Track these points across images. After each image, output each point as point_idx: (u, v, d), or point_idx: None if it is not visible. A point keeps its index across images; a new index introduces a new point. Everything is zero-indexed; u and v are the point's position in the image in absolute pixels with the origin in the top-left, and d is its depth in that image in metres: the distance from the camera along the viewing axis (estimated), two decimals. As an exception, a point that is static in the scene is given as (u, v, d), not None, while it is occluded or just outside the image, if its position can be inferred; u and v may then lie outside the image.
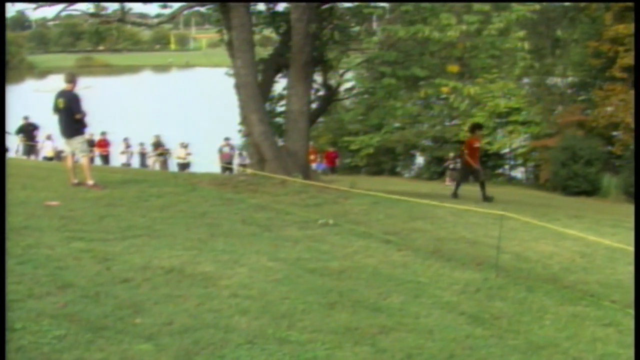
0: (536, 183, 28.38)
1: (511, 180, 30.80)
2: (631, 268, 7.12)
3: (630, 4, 23.09)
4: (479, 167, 14.63)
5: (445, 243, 7.96)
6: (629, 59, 23.21)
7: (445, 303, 5.39)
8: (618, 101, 24.27)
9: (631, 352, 4.60)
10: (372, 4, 15.09)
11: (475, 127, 15.78)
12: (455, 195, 14.40)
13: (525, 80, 30.65)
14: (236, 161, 23.21)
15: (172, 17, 15.30)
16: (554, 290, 6.08)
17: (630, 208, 17.86)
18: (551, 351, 4.51)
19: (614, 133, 25.39)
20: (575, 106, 27.54)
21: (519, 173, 32.23)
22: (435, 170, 31.63)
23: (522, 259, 7.40)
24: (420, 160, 34.35)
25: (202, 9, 18.50)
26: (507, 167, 32.44)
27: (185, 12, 15.55)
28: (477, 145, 14.74)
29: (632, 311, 5.52)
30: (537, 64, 28.62)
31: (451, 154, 28.16)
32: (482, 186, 14.42)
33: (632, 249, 7.26)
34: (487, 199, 14.07)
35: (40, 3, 13.14)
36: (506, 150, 31.35)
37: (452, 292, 5.73)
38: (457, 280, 6.13)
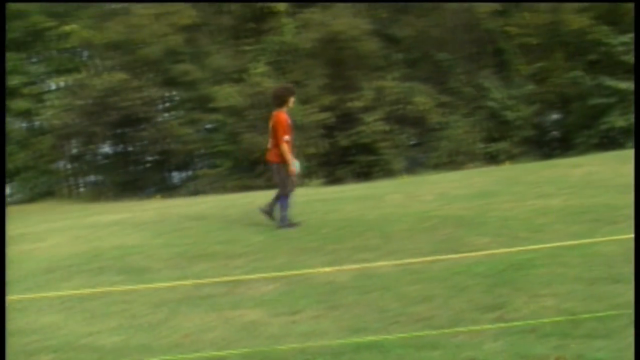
0: None
1: None
2: None
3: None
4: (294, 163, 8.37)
5: None
6: None
7: None
8: None
9: None
10: None
11: (288, 92, 8.51)
12: (270, 210, 8.52)
13: None
14: None
15: None
16: None
17: None
18: None
19: None
20: None
21: None
22: None
23: None
24: None
25: None
26: None
27: None
28: (289, 123, 8.47)
29: None
30: None
31: None
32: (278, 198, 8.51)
33: None
34: (269, 213, 8.53)
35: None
36: None
37: None
38: None
